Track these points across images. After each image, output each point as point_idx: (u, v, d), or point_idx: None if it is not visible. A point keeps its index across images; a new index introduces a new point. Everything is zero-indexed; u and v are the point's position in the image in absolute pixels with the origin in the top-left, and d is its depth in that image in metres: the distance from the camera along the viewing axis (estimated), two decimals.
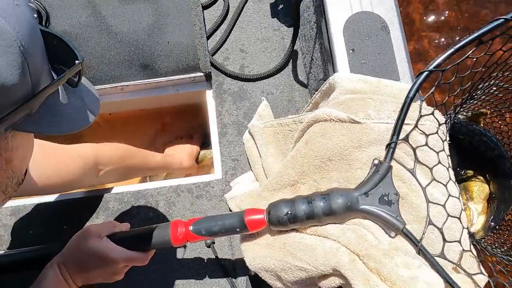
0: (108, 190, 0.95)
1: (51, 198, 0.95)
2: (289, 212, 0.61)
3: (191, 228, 0.67)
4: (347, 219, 0.60)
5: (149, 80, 1.01)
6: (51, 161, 0.74)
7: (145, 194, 0.94)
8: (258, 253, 0.67)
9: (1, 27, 0.34)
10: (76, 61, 0.43)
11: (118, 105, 1.14)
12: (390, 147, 0.60)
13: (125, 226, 0.76)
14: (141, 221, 0.92)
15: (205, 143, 1.29)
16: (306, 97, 0.99)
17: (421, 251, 0.56)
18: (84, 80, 0.52)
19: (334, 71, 0.70)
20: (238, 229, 0.65)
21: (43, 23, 0.95)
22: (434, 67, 0.59)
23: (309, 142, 0.66)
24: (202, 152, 1.26)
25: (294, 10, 0.84)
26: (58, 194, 0.95)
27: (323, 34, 0.76)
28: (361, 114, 0.62)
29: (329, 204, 0.59)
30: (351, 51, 0.69)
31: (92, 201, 0.93)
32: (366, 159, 0.62)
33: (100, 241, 0.69)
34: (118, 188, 0.95)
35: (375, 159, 0.61)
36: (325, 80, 0.82)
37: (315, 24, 0.83)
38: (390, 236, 0.58)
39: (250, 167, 0.94)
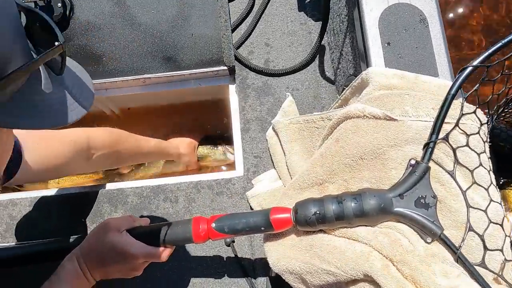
0: (127, 184, 0.94)
1: (70, 190, 0.94)
2: (318, 212, 0.58)
3: (213, 225, 0.65)
4: (380, 221, 0.57)
5: (172, 72, 0.99)
6: (43, 147, 0.72)
7: (164, 189, 0.92)
8: (283, 254, 0.64)
9: None
10: (56, 43, 0.37)
11: (139, 98, 1.12)
12: (429, 147, 0.56)
13: (144, 221, 0.74)
14: (160, 216, 0.90)
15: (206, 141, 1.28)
16: (333, 93, 0.96)
17: (460, 259, 0.52)
18: (78, 69, 0.46)
19: (367, 65, 0.67)
20: (262, 228, 0.62)
21: (67, 12, 0.93)
22: (479, 63, 0.55)
23: (340, 139, 0.63)
24: (204, 150, 1.24)
25: (325, 3, 0.81)
26: (77, 187, 0.94)
27: (356, 27, 0.72)
28: (397, 111, 0.59)
29: (361, 205, 0.56)
30: (386, 45, 0.65)
31: (111, 195, 0.92)
32: (402, 158, 0.58)
33: (119, 236, 0.67)
34: (137, 183, 0.93)
35: (411, 159, 0.57)
36: (355, 76, 0.78)
37: (346, 17, 0.80)
38: (426, 242, 0.54)
39: (273, 165, 0.91)
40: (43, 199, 0.92)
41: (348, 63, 0.83)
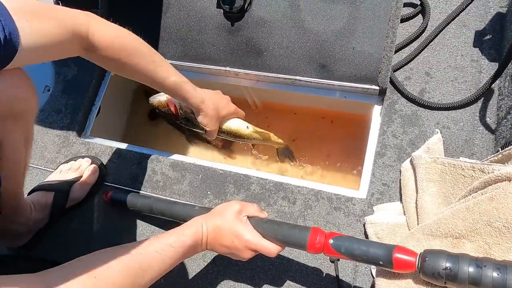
0: (254, 172, 0.99)
1: (204, 162, 1.03)
2: (449, 268, 0.54)
3: (331, 241, 0.65)
4: None
5: (323, 80, 1.00)
6: (36, 26, 0.64)
7: (286, 188, 0.95)
8: None
9: None
10: None
11: (281, 95, 1.17)
12: None
13: (264, 214, 0.78)
14: (275, 212, 0.94)
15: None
16: (489, 143, 0.87)
17: None
18: None
19: None
20: (381, 262, 0.60)
21: (246, 6, 1.02)
22: None
23: (495, 199, 0.57)
24: (239, 125, 1.03)
25: None
26: (212, 162, 1.03)
27: None
28: None
29: (504, 278, 0.50)
30: None
31: (237, 178, 0.98)
32: None
33: (241, 219, 0.72)
34: (263, 174, 0.98)
35: None
36: None
37: None
38: None
39: (400, 198, 0.87)
40: (181, 164, 1.03)
41: None
